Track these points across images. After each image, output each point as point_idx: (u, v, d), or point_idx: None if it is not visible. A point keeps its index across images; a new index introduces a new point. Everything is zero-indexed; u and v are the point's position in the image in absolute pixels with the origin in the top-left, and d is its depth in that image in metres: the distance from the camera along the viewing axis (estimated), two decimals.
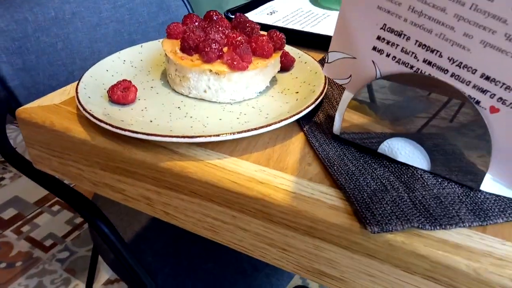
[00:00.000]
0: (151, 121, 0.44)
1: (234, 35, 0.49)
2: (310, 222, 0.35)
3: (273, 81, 0.54)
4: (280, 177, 0.38)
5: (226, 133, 0.40)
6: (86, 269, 1.36)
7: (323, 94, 0.47)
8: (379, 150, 0.40)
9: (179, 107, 0.48)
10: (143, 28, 0.98)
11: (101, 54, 0.90)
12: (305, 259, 0.38)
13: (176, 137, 0.39)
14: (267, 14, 0.80)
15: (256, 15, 0.80)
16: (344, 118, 0.42)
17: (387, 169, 0.39)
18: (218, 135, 0.40)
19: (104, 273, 1.36)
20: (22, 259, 1.39)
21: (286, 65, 0.56)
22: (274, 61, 0.51)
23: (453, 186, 0.37)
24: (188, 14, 0.54)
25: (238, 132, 0.40)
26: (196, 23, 0.54)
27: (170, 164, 0.40)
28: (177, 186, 0.41)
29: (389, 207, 0.34)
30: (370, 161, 0.40)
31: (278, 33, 0.52)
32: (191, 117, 0.46)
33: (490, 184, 0.36)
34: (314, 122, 0.46)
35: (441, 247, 0.32)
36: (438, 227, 0.33)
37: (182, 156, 0.41)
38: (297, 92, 0.51)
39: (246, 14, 0.80)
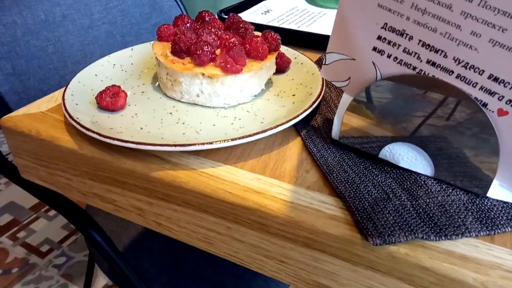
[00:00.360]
0: (141, 128, 0.42)
1: (227, 37, 0.47)
2: (308, 233, 0.33)
3: (269, 83, 0.52)
4: (276, 186, 0.37)
5: (220, 141, 0.38)
6: (83, 275, 1.34)
7: (320, 97, 0.45)
8: (380, 156, 0.39)
9: (171, 113, 0.46)
10: (135, 29, 0.96)
11: (93, 57, 0.88)
12: (304, 271, 0.36)
13: (167, 145, 0.37)
14: (262, 13, 0.78)
15: (250, 15, 0.78)
16: (343, 121, 0.40)
17: (388, 176, 0.37)
18: (211, 143, 0.38)
19: (102, 279, 1.34)
20: (18, 266, 1.37)
21: (281, 67, 0.54)
22: (269, 63, 0.49)
23: (458, 192, 0.35)
24: (179, 15, 0.52)
25: (232, 139, 0.38)
26: (188, 25, 0.52)
27: (162, 174, 0.38)
28: (169, 197, 0.39)
29: (391, 217, 0.32)
30: (370, 167, 0.38)
31: (273, 33, 0.50)
32: (183, 123, 0.44)
33: (497, 191, 0.35)
34: (312, 126, 0.44)
35: (447, 259, 0.30)
36: (443, 238, 0.31)
37: (174, 165, 0.39)
38: (293, 95, 0.49)
39: (240, 14, 0.78)
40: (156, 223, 0.42)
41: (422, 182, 0.36)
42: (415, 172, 0.37)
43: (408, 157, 0.37)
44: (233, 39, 0.47)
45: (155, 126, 0.43)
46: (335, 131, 0.41)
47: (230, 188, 0.36)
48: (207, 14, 0.53)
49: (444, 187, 0.36)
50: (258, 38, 0.47)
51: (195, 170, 0.38)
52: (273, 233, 0.35)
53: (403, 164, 0.38)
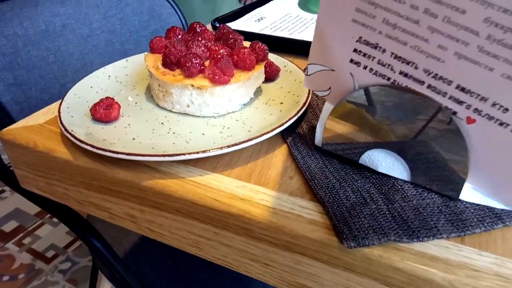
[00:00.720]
0: (133, 139, 0.44)
1: (216, 48, 0.49)
2: (289, 237, 0.35)
3: (258, 91, 0.54)
4: (261, 193, 0.38)
5: (207, 150, 0.40)
6: (88, 280, 1.36)
7: (306, 105, 0.47)
8: (360, 161, 0.40)
9: (162, 123, 0.48)
10: (134, 37, 0.98)
11: (93, 65, 0.90)
12: (287, 273, 0.38)
13: (156, 156, 0.39)
14: (255, 21, 0.80)
15: (243, 23, 0.80)
16: (326, 128, 0.42)
17: (368, 180, 0.39)
18: (197, 153, 0.40)
19: (106, 283, 1.36)
20: (25, 271, 1.40)
21: (271, 75, 0.56)
22: (257, 73, 0.51)
23: (433, 196, 0.37)
24: (171, 28, 0.54)
25: (219, 148, 0.40)
26: (179, 36, 0.54)
27: (152, 183, 0.40)
28: (160, 205, 0.41)
29: (366, 221, 0.34)
30: (351, 173, 0.40)
31: (260, 44, 0.52)
32: (174, 133, 0.46)
33: (470, 193, 0.36)
34: (298, 134, 0.46)
35: (419, 260, 0.32)
36: (415, 240, 0.33)
37: (164, 174, 0.41)
38: (281, 103, 0.51)
39: (234, 22, 0.80)
40: (149, 230, 0.44)
41: (399, 187, 0.38)
42: (393, 177, 0.39)
43: (386, 162, 0.39)
44: (221, 50, 0.49)
45: (147, 136, 0.45)
46: (318, 138, 0.43)
47: (216, 195, 0.38)
48: (198, 26, 0.55)
49: (420, 191, 0.37)
50: (246, 49, 0.49)
51: (183, 179, 0.40)
52: (257, 237, 0.37)
53: (382, 169, 0.39)
